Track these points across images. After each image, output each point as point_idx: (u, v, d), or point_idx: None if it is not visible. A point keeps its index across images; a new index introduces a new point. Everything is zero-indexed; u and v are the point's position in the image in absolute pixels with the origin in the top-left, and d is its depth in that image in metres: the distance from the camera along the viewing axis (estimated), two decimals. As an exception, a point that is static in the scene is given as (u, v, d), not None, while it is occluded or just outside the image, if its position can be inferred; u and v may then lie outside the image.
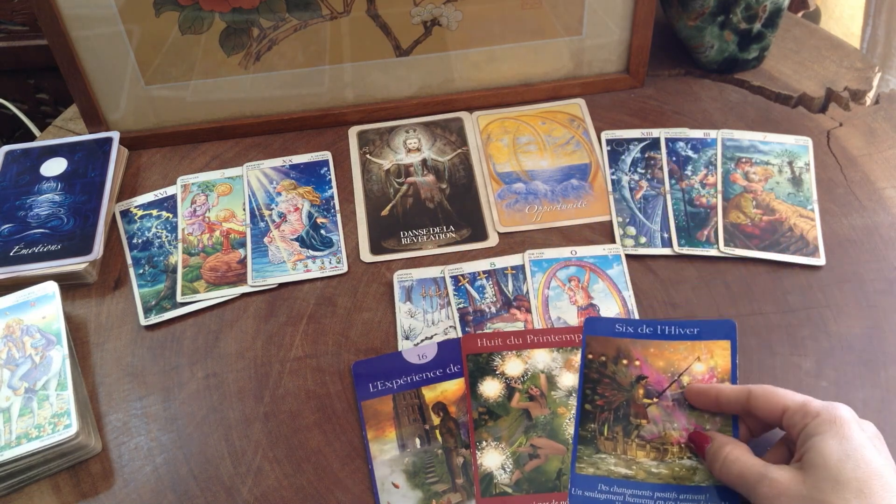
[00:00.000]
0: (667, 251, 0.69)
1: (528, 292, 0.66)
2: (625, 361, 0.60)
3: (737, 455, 0.51)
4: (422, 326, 0.65)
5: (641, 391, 0.59)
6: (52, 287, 0.66)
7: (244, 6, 0.73)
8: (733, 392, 0.54)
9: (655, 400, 0.58)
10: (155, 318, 0.67)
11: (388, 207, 0.74)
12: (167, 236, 0.73)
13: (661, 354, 0.60)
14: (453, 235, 0.72)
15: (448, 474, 0.57)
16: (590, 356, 0.61)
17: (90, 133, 0.79)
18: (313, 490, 0.57)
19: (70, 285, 0.69)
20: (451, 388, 0.61)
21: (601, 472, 0.56)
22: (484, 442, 0.58)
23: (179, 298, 0.68)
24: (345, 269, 0.70)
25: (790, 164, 0.74)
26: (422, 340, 0.64)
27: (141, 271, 0.71)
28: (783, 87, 0.82)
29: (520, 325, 0.65)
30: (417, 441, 0.59)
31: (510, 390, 0.60)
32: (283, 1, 0.73)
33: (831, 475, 0.45)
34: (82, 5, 0.71)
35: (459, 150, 0.78)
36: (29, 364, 0.61)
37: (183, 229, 0.73)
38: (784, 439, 0.53)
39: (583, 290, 0.66)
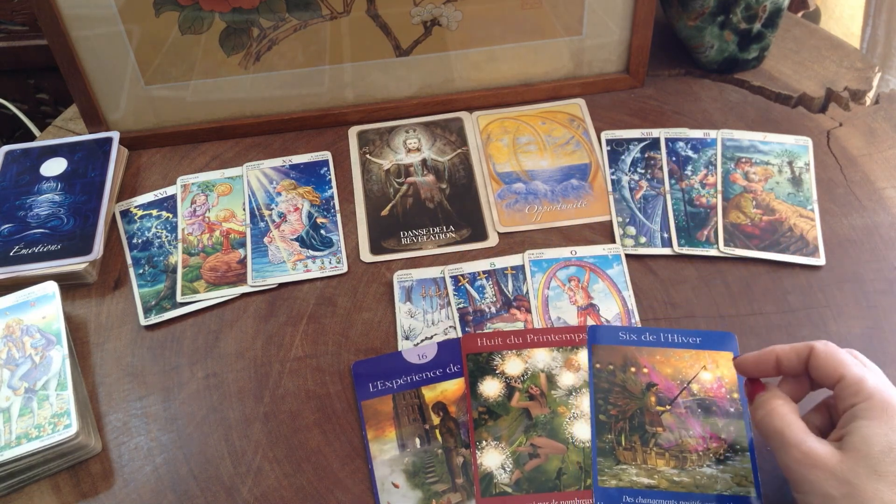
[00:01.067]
0: (667, 251, 0.69)
1: (528, 292, 0.66)
2: (633, 369, 0.60)
3: (784, 412, 0.49)
4: (422, 326, 0.65)
5: (653, 398, 0.58)
6: (52, 287, 0.66)
7: (244, 6, 0.73)
8: (794, 350, 0.51)
9: (668, 407, 0.58)
10: (155, 318, 0.67)
11: (388, 207, 0.74)
12: (167, 236, 0.73)
13: (668, 362, 0.60)
14: (453, 235, 0.72)
15: (448, 474, 0.57)
16: (597, 365, 0.60)
17: (90, 133, 0.79)
18: (313, 490, 0.57)
19: (70, 285, 0.69)
20: (451, 388, 0.61)
21: (624, 484, 0.55)
22: (484, 441, 0.58)
23: (179, 298, 0.68)
24: (345, 269, 0.70)
25: (790, 164, 0.74)
26: (422, 340, 0.64)
27: (141, 271, 0.71)
28: (783, 87, 0.82)
29: (520, 326, 0.65)
30: (417, 441, 0.59)
31: (510, 390, 0.60)
32: (283, 1, 0.73)
33: (871, 463, 0.44)
34: (82, 5, 0.71)
35: (459, 150, 0.78)
36: (29, 364, 0.61)
37: (183, 229, 0.73)
38: (826, 402, 0.52)
39: (583, 290, 0.66)
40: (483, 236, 0.71)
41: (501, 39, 0.79)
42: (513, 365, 0.61)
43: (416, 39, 0.78)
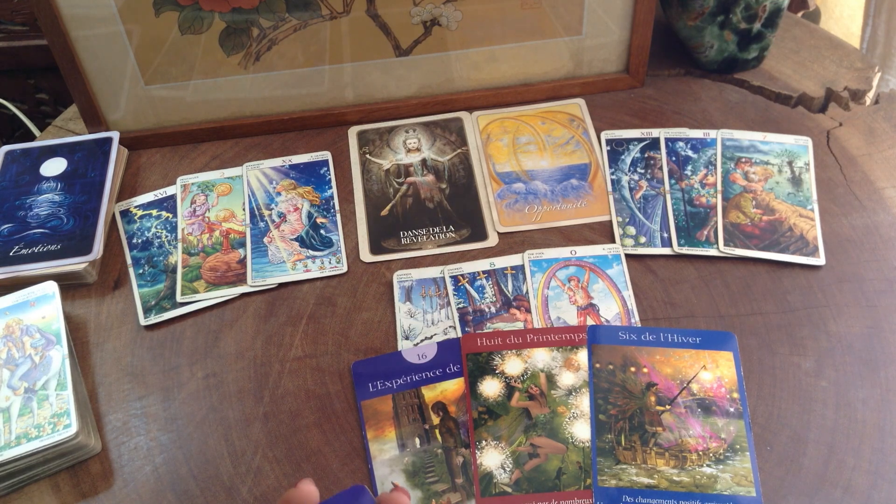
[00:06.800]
0: (666, 251, 0.69)
1: (527, 292, 0.66)
2: (633, 369, 0.60)
3: None
4: (421, 326, 0.65)
5: (653, 398, 0.59)
6: (51, 287, 0.66)
7: (244, 6, 0.73)
8: None
9: (668, 407, 0.58)
10: (155, 318, 0.67)
11: (388, 207, 0.74)
12: (167, 236, 0.73)
13: (668, 361, 0.60)
14: (453, 235, 0.72)
15: (448, 474, 0.57)
16: (597, 365, 0.60)
17: (90, 133, 0.79)
18: (313, 490, 0.57)
19: (70, 285, 0.69)
20: (451, 388, 0.61)
21: (623, 484, 0.55)
22: (483, 441, 0.58)
23: (179, 298, 0.68)
24: (344, 269, 0.70)
25: (790, 163, 0.74)
26: (421, 340, 0.64)
27: (141, 271, 0.70)
28: (783, 87, 0.82)
29: (519, 325, 0.65)
30: (417, 441, 0.59)
31: (510, 389, 0.60)
32: (282, 1, 0.73)
33: None
34: (82, 5, 0.71)
35: (459, 150, 0.78)
36: (29, 364, 0.61)
37: (183, 229, 0.73)
38: None
39: (582, 289, 0.66)
40: (483, 236, 0.71)
41: (501, 39, 0.79)
42: (512, 365, 0.61)
43: (415, 39, 0.78)
